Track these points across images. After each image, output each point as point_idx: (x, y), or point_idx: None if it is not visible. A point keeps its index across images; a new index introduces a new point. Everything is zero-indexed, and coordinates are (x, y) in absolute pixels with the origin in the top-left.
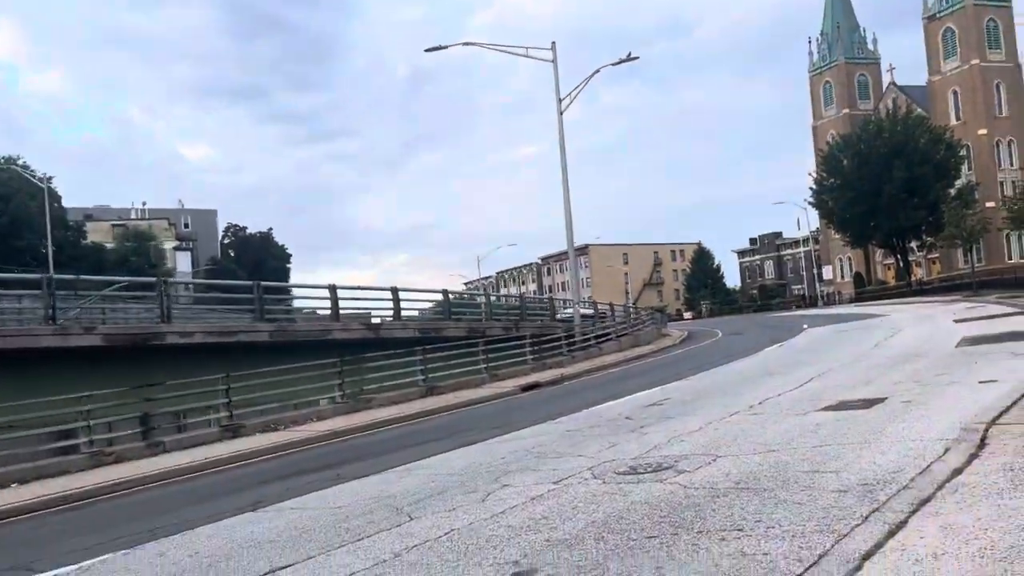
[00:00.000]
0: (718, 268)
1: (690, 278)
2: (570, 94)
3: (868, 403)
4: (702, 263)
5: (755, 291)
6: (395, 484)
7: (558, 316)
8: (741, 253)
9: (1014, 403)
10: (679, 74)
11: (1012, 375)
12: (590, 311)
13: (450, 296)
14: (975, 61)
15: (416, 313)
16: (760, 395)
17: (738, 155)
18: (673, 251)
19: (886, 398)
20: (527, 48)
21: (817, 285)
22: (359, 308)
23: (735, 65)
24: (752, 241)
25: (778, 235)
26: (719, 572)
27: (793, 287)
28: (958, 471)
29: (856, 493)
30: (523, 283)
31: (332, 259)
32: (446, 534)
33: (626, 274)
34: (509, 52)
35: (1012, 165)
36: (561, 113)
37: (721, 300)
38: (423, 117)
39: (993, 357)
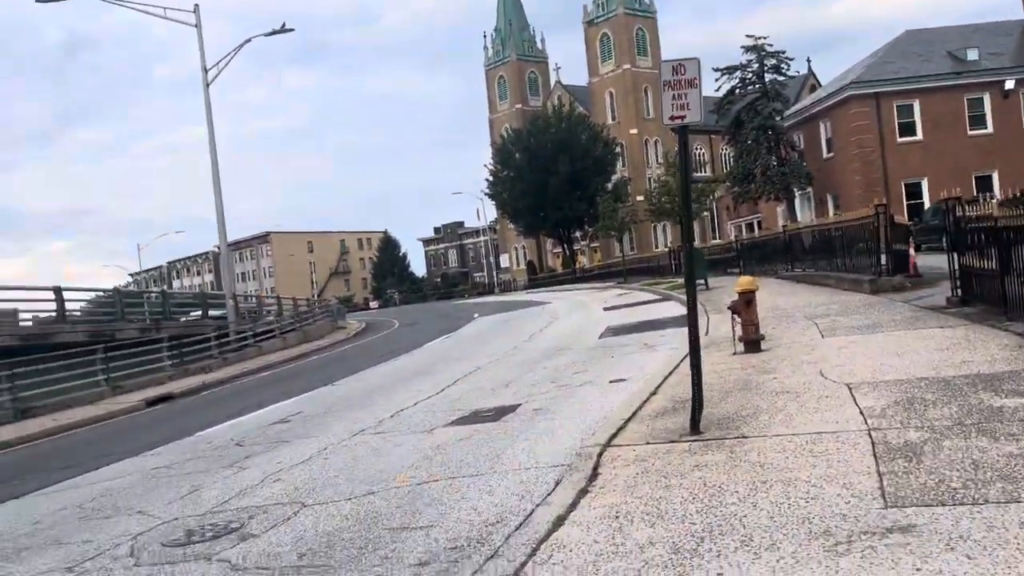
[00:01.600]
0: (404, 257)
1: (377, 267)
2: (217, 64)
3: (500, 412)
4: (389, 252)
5: (439, 279)
6: None
7: (213, 313)
8: (426, 242)
9: (634, 414)
10: (365, 62)
11: (641, 372)
12: (253, 305)
13: (64, 294)
14: (627, 66)
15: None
16: (398, 403)
17: (424, 145)
18: (360, 239)
19: (519, 405)
20: (165, 9)
21: (495, 273)
22: None
23: (421, 56)
24: (436, 230)
25: (460, 224)
26: None
27: (475, 275)
28: (560, 520)
29: (435, 568)
30: (199, 274)
31: None
32: None
33: (312, 263)
34: (139, 10)
35: (658, 163)
36: (207, 84)
37: (407, 288)
38: (81, 88)
39: (629, 349)
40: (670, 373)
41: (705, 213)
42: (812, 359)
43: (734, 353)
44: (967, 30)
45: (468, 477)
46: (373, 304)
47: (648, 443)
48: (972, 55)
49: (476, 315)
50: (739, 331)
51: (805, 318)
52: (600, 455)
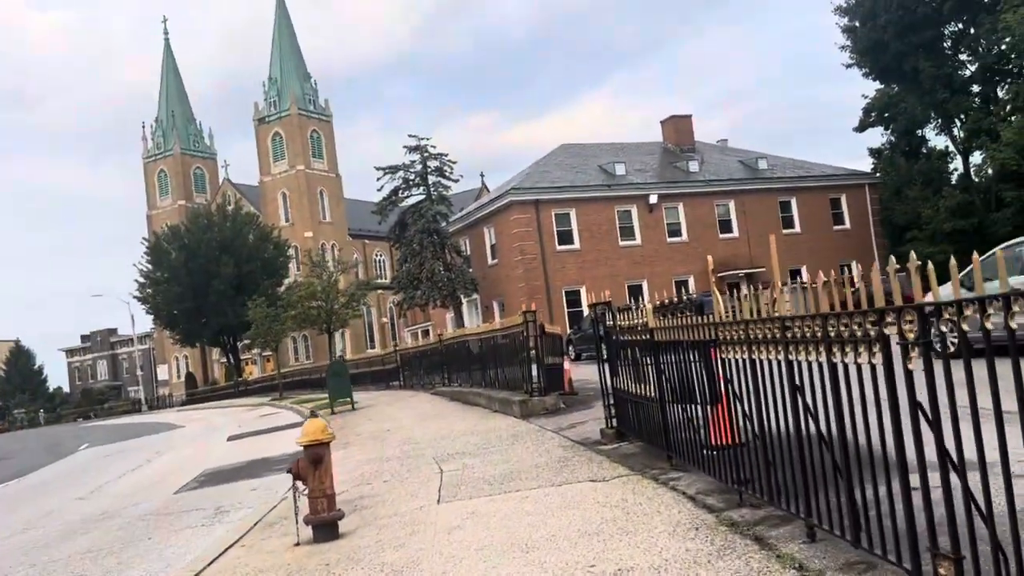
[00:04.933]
0: (41, 370)
1: (5, 383)
2: None
3: None
4: (20, 364)
5: (82, 395)
6: None
7: None
8: (71, 352)
9: None
10: (14, 151)
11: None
12: None
13: None
14: (301, 167)
15: None
16: None
17: (77, 244)
18: None
19: None
20: None
21: (154, 386)
22: None
23: (79, 146)
24: (84, 338)
25: (113, 332)
26: None
27: (130, 389)
28: None
29: None
30: None
31: None
32: None
33: None
34: None
35: (333, 268)
36: None
37: (42, 407)
38: None
39: (188, 520)
40: None
41: (374, 319)
42: (401, 561)
43: (297, 543)
44: (615, 147)
45: None
46: None
47: None
48: (620, 170)
49: (85, 445)
50: (306, 506)
51: (434, 459)
52: None
